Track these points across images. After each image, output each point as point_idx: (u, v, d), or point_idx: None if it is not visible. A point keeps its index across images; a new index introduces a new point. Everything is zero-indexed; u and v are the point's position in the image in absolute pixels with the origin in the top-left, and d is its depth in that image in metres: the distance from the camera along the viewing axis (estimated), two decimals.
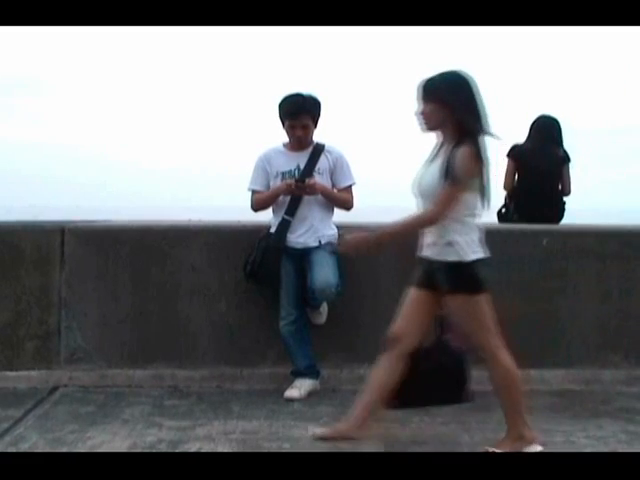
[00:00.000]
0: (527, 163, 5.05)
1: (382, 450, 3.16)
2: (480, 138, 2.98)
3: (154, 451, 3.08)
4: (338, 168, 4.02)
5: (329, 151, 4.02)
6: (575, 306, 4.32)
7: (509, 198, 5.19)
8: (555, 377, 4.22)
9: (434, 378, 3.19)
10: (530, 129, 5.13)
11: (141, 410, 3.65)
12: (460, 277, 3.00)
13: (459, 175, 2.90)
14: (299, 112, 3.90)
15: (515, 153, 5.10)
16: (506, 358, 3.10)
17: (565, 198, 5.16)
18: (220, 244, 4.26)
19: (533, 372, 4.22)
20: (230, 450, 3.13)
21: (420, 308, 3.17)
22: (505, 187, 5.19)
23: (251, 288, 4.11)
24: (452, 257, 2.98)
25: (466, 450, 3.16)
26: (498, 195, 5.26)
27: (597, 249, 4.35)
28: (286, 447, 3.16)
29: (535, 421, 3.55)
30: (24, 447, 3.12)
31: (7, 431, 3.31)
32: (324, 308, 4.12)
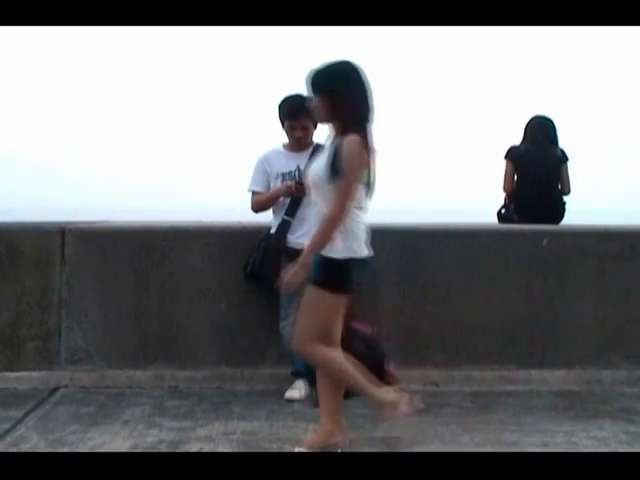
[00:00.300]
0: (525, 164, 5.06)
1: (383, 450, 3.16)
2: (368, 128, 2.93)
3: (154, 451, 3.09)
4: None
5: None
6: (575, 307, 4.32)
7: (509, 199, 5.20)
8: (556, 378, 4.22)
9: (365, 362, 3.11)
10: (525, 130, 5.14)
11: (142, 411, 3.65)
12: (329, 272, 2.92)
13: (347, 167, 2.84)
14: (299, 113, 3.90)
15: (513, 155, 5.10)
16: (324, 350, 2.99)
17: (565, 198, 5.16)
18: (220, 245, 4.26)
19: (534, 372, 4.24)
20: (231, 451, 3.13)
21: None
22: (505, 189, 5.19)
23: (251, 289, 4.11)
24: (327, 252, 2.91)
25: (467, 450, 3.16)
26: (498, 196, 5.28)
27: (597, 249, 4.35)
28: (287, 448, 3.16)
29: (536, 422, 3.57)
30: (25, 448, 3.13)
31: (8, 432, 3.31)
32: None
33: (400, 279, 4.27)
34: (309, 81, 2.98)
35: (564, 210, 5.16)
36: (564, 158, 5.10)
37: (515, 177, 5.16)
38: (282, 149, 4.05)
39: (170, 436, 3.29)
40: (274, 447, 3.17)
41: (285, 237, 3.93)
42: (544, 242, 4.32)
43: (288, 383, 3.98)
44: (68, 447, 3.14)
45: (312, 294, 2.95)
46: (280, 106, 3.98)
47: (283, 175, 3.96)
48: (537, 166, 5.00)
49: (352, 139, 2.85)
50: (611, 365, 4.29)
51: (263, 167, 4.02)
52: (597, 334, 4.34)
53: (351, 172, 2.86)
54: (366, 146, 2.89)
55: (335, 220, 2.89)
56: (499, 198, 5.28)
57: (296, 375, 3.99)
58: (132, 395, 3.94)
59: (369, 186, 2.98)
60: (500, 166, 5.20)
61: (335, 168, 2.86)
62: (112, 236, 4.33)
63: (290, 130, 3.95)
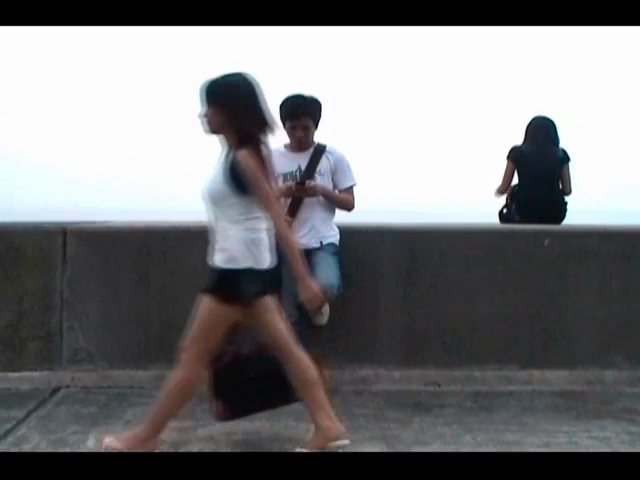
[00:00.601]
0: (527, 164, 5.06)
1: (384, 450, 3.16)
2: (261, 142, 2.92)
3: (155, 452, 3.09)
4: (339, 169, 4.02)
5: (330, 152, 4.02)
6: (577, 307, 4.32)
7: (510, 199, 5.20)
8: (557, 378, 4.22)
9: (262, 383, 3.14)
10: (526, 130, 5.14)
11: (143, 411, 3.64)
12: (224, 282, 2.93)
13: (254, 179, 2.84)
14: (300, 113, 3.90)
15: (515, 155, 5.10)
16: (193, 374, 3.01)
17: (567, 198, 5.16)
18: None
19: (535, 373, 4.23)
20: (232, 451, 3.13)
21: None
22: (500, 188, 5.18)
23: None
24: (223, 264, 2.92)
25: (468, 450, 3.16)
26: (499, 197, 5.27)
27: (598, 249, 4.35)
28: (288, 448, 3.16)
29: (537, 422, 3.57)
30: (26, 448, 3.13)
31: (9, 432, 3.31)
32: (326, 309, 4.12)
33: (401, 279, 4.27)
34: (203, 91, 2.95)
35: (565, 210, 5.16)
36: (565, 158, 5.10)
37: (516, 177, 5.16)
38: (283, 149, 4.06)
39: (171, 436, 3.29)
40: (275, 447, 3.18)
41: None
42: (545, 242, 4.32)
43: None
44: (69, 447, 3.14)
45: (204, 303, 2.95)
46: (281, 107, 3.98)
47: (284, 175, 3.97)
48: (538, 166, 5.00)
49: (243, 153, 2.84)
50: (613, 365, 4.28)
51: None
52: (599, 334, 4.33)
53: (260, 182, 2.86)
54: (259, 158, 2.87)
55: (283, 232, 2.95)
56: (500, 198, 5.28)
57: None
58: (133, 395, 3.94)
59: None
60: (500, 166, 5.21)
61: (238, 183, 2.86)
62: (113, 236, 4.33)
63: (291, 130, 3.95)
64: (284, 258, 3.92)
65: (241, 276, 2.92)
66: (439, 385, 4.16)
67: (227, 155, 2.94)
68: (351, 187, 4.07)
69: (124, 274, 4.21)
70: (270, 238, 3.02)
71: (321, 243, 3.95)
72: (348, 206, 4.06)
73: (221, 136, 2.98)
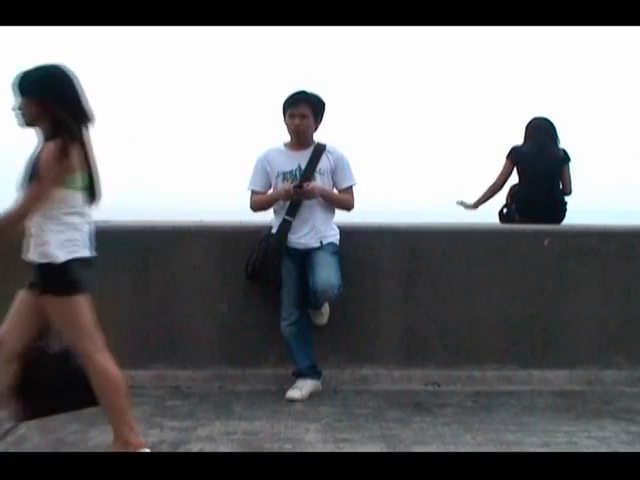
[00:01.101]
0: (527, 164, 5.05)
1: (384, 450, 3.16)
2: (76, 133, 2.85)
3: (155, 451, 3.09)
4: (339, 169, 4.01)
5: (330, 151, 4.02)
6: (577, 306, 4.32)
7: (510, 198, 5.19)
8: (557, 377, 4.22)
9: (66, 383, 3.01)
10: (526, 130, 5.14)
11: (143, 410, 3.65)
12: (50, 278, 2.86)
13: (42, 171, 2.77)
14: (298, 100, 3.90)
15: (515, 155, 5.10)
16: (104, 362, 2.93)
17: (567, 198, 5.16)
18: (221, 245, 4.26)
19: (535, 372, 4.24)
20: (232, 450, 3.13)
21: (26, 310, 3.01)
22: (494, 185, 5.15)
23: (253, 289, 4.12)
24: (42, 258, 2.87)
25: (468, 450, 3.16)
26: (500, 197, 5.27)
27: (598, 249, 4.35)
28: (288, 448, 3.16)
29: (537, 422, 3.57)
30: (26, 447, 3.14)
31: (9, 431, 3.31)
32: (326, 309, 4.12)
33: (401, 279, 4.28)
34: (16, 82, 2.89)
35: (565, 210, 5.15)
36: (566, 158, 5.10)
37: (517, 177, 5.16)
38: (283, 148, 4.05)
39: (171, 436, 3.30)
40: (275, 447, 3.18)
41: (286, 237, 3.93)
42: (545, 242, 4.32)
43: (289, 383, 3.98)
44: (69, 447, 3.15)
45: (49, 306, 2.90)
46: (284, 101, 3.98)
47: (284, 174, 3.96)
48: (539, 166, 4.99)
49: (49, 145, 2.78)
50: (612, 365, 4.28)
51: (263, 166, 4.02)
52: (598, 334, 4.33)
53: (47, 177, 2.77)
54: (65, 152, 2.77)
55: (12, 219, 2.85)
56: (500, 198, 5.27)
57: (297, 375, 4.00)
58: (133, 395, 3.92)
59: (90, 191, 2.94)
60: (499, 166, 5.20)
61: (32, 174, 2.80)
62: (113, 236, 4.32)
63: (290, 120, 3.93)
64: (285, 258, 3.93)
65: (66, 267, 2.87)
66: (439, 385, 4.16)
67: (38, 146, 2.88)
68: (351, 187, 4.07)
69: (124, 274, 4.20)
70: (89, 231, 3.00)
71: (321, 243, 3.94)
72: (347, 206, 4.06)
73: (37, 128, 2.91)
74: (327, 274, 3.83)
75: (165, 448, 3.14)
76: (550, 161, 5.03)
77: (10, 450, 3.11)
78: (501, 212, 5.26)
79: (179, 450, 3.13)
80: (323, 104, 4.00)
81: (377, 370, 4.20)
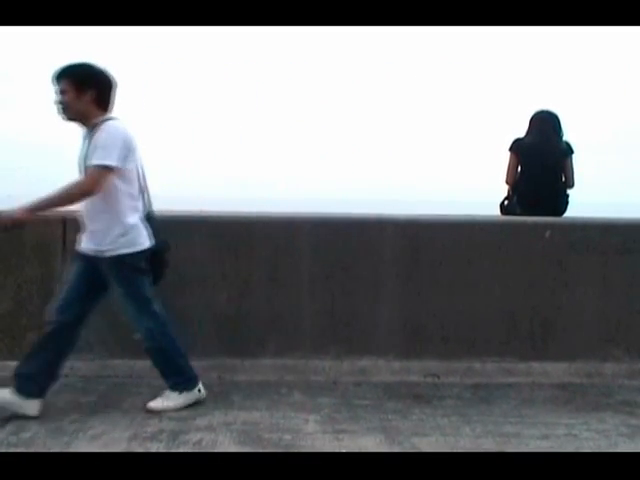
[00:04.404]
0: (530, 156, 5.04)
1: (383, 441, 3.16)
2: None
3: (155, 441, 3.09)
4: (93, 145, 3.37)
5: (102, 128, 3.39)
6: (577, 299, 4.31)
7: (512, 191, 5.18)
8: (557, 370, 4.22)
9: None
10: (530, 123, 5.12)
11: (142, 400, 3.65)
12: None
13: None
14: (56, 76, 3.38)
15: (517, 147, 5.08)
16: None
17: (568, 191, 5.14)
18: (221, 235, 4.25)
19: (535, 365, 4.23)
20: (231, 440, 3.13)
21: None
22: (507, 181, 5.17)
23: (252, 279, 4.11)
24: None
25: (467, 442, 3.16)
26: (501, 188, 5.26)
27: (600, 242, 4.34)
28: (287, 438, 3.16)
29: (537, 414, 3.57)
30: (25, 436, 3.13)
31: (8, 420, 3.31)
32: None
33: (401, 270, 4.27)
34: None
35: (567, 203, 5.14)
36: (569, 151, 5.08)
37: (519, 169, 5.14)
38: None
39: (170, 425, 3.30)
40: (274, 437, 3.18)
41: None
42: (546, 234, 4.31)
43: (289, 373, 3.98)
44: (68, 436, 3.14)
45: None
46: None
47: (79, 158, 3.49)
48: (541, 158, 4.98)
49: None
50: (612, 358, 4.28)
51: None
52: (599, 327, 4.33)
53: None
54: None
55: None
56: (502, 190, 5.26)
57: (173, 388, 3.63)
58: (132, 385, 3.93)
59: None
60: (504, 158, 5.19)
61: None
62: None
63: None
64: None
65: None
66: (438, 377, 4.16)
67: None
68: (94, 167, 3.33)
69: None
70: None
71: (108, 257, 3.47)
72: (77, 192, 3.38)
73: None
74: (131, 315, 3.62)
75: (164, 438, 3.14)
76: (553, 153, 5.01)
77: (9, 439, 3.10)
78: (502, 204, 5.24)
79: (178, 440, 3.12)
80: (83, 70, 3.42)
81: (376, 361, 4.20)
